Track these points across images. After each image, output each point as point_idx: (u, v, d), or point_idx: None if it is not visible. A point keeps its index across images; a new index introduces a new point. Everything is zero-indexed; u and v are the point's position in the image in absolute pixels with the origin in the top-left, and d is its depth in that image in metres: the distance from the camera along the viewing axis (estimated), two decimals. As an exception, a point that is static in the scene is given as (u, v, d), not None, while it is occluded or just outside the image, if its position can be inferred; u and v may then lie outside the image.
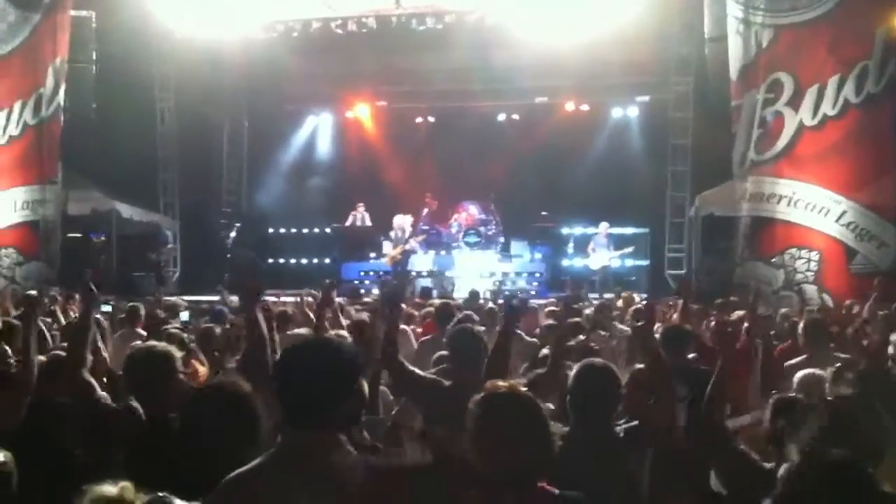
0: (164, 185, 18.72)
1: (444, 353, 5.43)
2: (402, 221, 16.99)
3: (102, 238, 17.93)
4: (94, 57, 15.94)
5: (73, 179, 16.18)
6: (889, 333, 5.58)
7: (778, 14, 13.08)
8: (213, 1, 17.11)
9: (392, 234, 16.96)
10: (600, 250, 16.91)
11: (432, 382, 4.84)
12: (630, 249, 17.16)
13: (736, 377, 5.12)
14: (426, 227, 18.10)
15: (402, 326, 7.04)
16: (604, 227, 17.11)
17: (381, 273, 17.06)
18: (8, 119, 15.73)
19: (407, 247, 16.85)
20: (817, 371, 4.85)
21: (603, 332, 7.81)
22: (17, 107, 15.71)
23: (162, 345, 4.42)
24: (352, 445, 2.82)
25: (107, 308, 9.37)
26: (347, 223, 18.36)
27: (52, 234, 15.77)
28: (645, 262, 18.37)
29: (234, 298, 10.68)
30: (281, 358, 3.05)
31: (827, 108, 12.61)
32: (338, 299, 8.15)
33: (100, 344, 5.53)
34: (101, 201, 17.07)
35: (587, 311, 8.89)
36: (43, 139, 15.79)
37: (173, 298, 15.80)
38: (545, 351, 5.61)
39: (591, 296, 14.27)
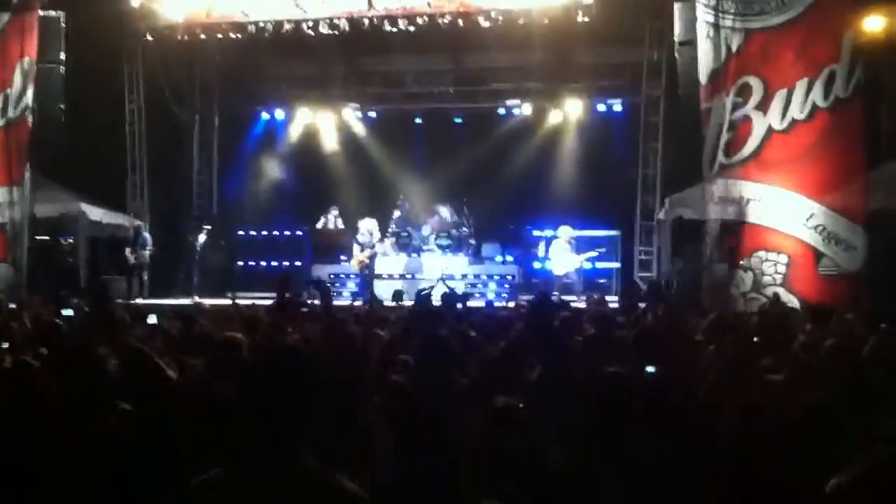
0: (133, 187, 18.56)
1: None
2: (370, 224, 16.89)
3: (70, 241, 17.75)
4: (63, 57, 15.76)
5: (41, 181, 15.99)
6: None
7: (747, 18, 13.17)
8: (183, 1, 17.05)
9: (359, 237, 16.86)
10: (564, 255, 16.86)
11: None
12: (595, 253, 17.12)
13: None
14: (397, 230, 18.07)
15: (376, 330, 7.03)
16: (565, 231, 17.02)
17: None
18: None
19: (374, 250, 16.75)
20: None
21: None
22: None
23: None
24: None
25: (68, 312, 9.23)
26: (319, 225, 18.29)
27: (20, 238, 15.57)
28: (616, 265, 18.46)
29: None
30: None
31: (795, 112, 12.72)
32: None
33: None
34: (69, 203, 16.89)
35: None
36: (10, 140, 15.60)
37: (140, 301, 15.80)
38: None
39: (569, 298, 14.30)
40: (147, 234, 17.39)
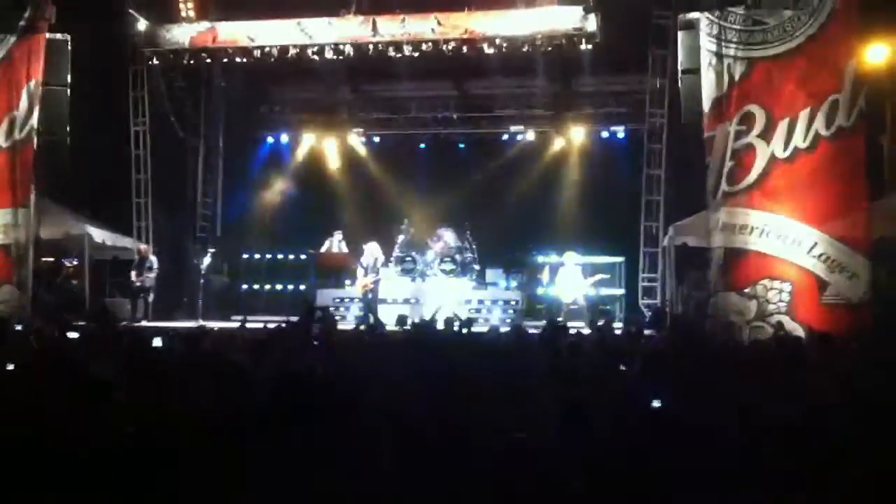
0: (137, 210, 18.61)
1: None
2: (374, 249, 16.91)
3: (74, 263, 17.78)
4: (69, 80, 15.84)
5: (46, 203, 16.03)
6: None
7: (750, 47, 13.24)
8: (189, 25, 17.20)
9: (363, 260, 16.89)
10: (572, 280, 16.91)
11: None
12: (605, 276, 17.17)
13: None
14: (402, 254, 18.09)
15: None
16: (571, 256, 17.10)
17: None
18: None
19: (378, 275, 16.76)
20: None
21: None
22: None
23: None
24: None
25: (73, 335, 9.24)
26: (323, 249, 18.32)
27: (24, 259, 15.57)
28: (620, 291, 18.46)
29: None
30: None
31: (798, 141, 12.74)
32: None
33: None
34: (74, 225, 16.93)
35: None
36: (16, 162, 15.61)
37: (144, 324, 15.80)
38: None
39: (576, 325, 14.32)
40: (153, 257, 17.38)
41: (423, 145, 20.81)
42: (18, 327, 10.58)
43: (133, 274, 17.09)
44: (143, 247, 17.59)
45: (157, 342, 9.82)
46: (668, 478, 3.74)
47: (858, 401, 4.59)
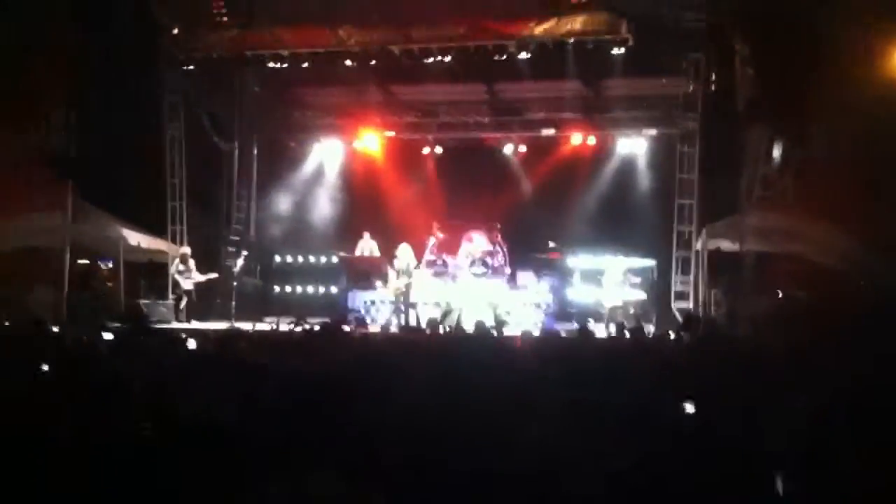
0: (172, 213, 18.80)
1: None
2: (406, 251, 16.92)
3: (110, 265, 17.99)
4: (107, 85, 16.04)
5: (82, 206, 16.25)
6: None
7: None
8: (222, 31, 17.34)
9: (395, 263, 16.93)
10: (617, 287, 16.92)
11: None
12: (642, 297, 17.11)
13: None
14: (433, 258, 18.10)
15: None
16: (618, 263, 17.12)
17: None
18: (23, 145, 15.79)
19: (411, 279, 16.79)
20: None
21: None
22: (28, 132, 15.81)
23: None
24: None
25: (107, 336, 9.33)
26: (356, 252, 18.38)
27: (61, 261, 15.81)
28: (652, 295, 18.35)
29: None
30: None
31: (832, 145, 12.64)
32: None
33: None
34: (109, 228, 17.14)
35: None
36: (53, 165, 15.86)
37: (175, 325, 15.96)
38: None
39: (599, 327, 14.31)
40: (192, 261, 17.57)
41: (453, 148, 20.79)
42: (55, 328, 10.70)
43: (180, 277, 17.29)
44: (186, 250, 17.75)
45: (192, 344, 9.94)
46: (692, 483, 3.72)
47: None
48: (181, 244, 18.46)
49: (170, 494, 3.25)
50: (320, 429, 3.38)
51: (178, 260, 17.55)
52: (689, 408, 4.74)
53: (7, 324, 10.89)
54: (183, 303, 17.33)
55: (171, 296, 17.69)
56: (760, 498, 3.89)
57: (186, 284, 17.42)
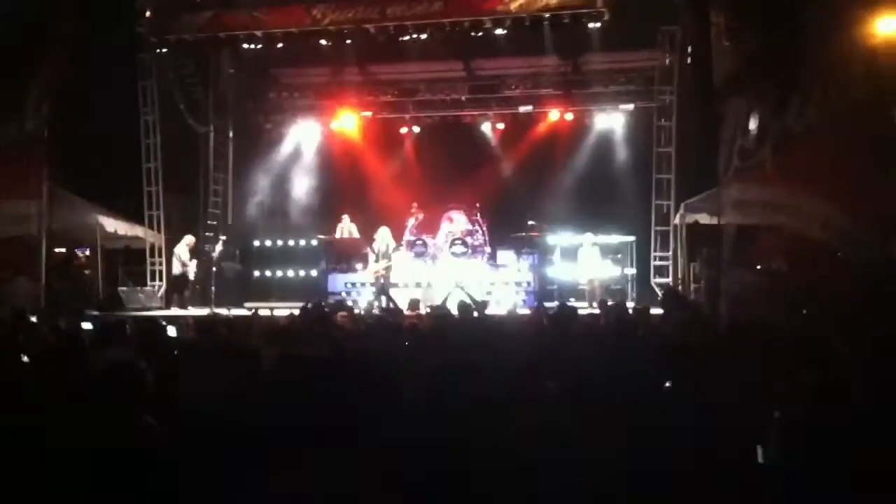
0: (149, 198, 18.62)
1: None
2: (385, 234, 16.88)
3: (87, 252, 17.84)
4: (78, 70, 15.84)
5: (58, 194, 16.07)
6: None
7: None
8: (196, 13, 17.14)
9: (374, 246, 16.89)
10: (592, 262, 16.98)
11: None
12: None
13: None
14: (412, 238, 18.08)
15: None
16: (590, 238, 17.17)
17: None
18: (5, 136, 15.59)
19: (390, 261, 16.76)
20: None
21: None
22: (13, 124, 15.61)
23: None
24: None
25: (87, 325, 9.26)
26: (336, 235, 18.31)
27: (38, 250, 15.64)
28: (632, 271, 18.42)
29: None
30: None
31: (811, 116, 12.64)
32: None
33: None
34: (86, 215, 16.98)
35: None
36: (29, 154, 15.67)
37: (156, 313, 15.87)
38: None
39: (580, 304, 14.37)
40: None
41: (431, 127, 20.74)
42: (33, 318, 10.62)
43: (188, 266, 17.22)
44: (192, 239, 17.63)
45: (172, 331, 9.88)
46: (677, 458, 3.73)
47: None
48: (158, 230, 18.33)
49: (168, 484, 3.23)
50: (310, 417, 3.35)
51: (187, 248, 17.38)
52: (668, 384, 4.75)
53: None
54: (188, 292, 17.23)
55: (162, 284, 17.60)
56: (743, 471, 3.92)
57: (192, 274, 17.36)
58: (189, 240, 17.55)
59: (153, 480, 3.54)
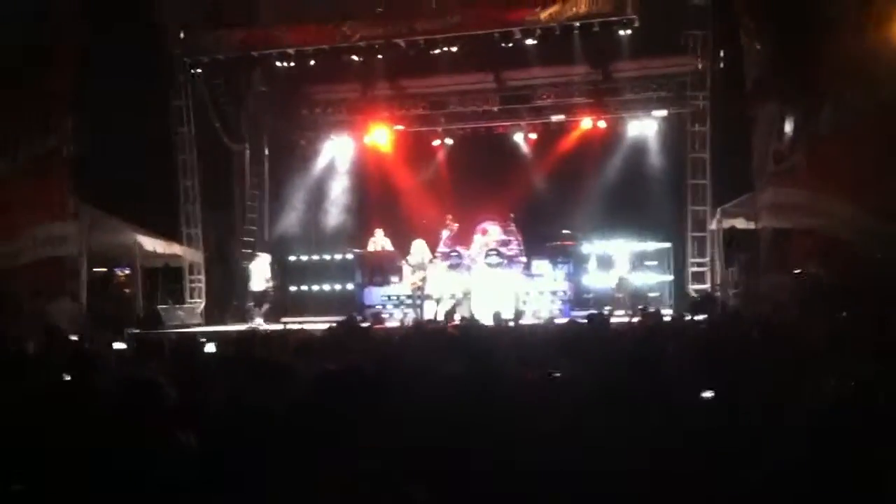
0: (186, 216, 18.84)
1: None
2: (420, 246, 16.93)
3: (126, 271, 18.07)
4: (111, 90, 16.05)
5: (96, 214, 16.30)
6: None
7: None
8: (228, 32, 17.36)
9: (410, 258, 16.95)
10: (624, 272, 17.02)
11: None
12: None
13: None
14: (447, 250, 18.07)
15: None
16: (624, 247, 17.21)
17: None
18: (28, 153, 15.83)
19: (426, 272, 16.81)
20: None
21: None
22: (36, 141, 15.84)
23: None
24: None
25: (120, 345, 9.30)
26: (369, 248, 18.38)
27: (78, 270, 15.87)
28: (668, 278, 18.27)
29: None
30: None
31: (842, 118, 12.51)
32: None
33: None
34: (124, 234, 17.20)
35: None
36: (65, 175, 15.90)
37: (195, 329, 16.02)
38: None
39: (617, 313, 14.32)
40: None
41: (464, 139, 20.77)
42: (74, 338, 10.76)
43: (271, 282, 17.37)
44: (269, 257, 17.86)
45: (210, 347, 9.95)
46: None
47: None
48: (196, 248, 18.52)
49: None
50: (348, 425, 3.36)
51: (268, 265, 17.59)
52: (708, 394, 4.70)
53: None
54: (267, 306, 17.38)
55: (201, 301, 17.77)
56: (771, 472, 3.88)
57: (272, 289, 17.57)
58: (268, 257, 17.72)
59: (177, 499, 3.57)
